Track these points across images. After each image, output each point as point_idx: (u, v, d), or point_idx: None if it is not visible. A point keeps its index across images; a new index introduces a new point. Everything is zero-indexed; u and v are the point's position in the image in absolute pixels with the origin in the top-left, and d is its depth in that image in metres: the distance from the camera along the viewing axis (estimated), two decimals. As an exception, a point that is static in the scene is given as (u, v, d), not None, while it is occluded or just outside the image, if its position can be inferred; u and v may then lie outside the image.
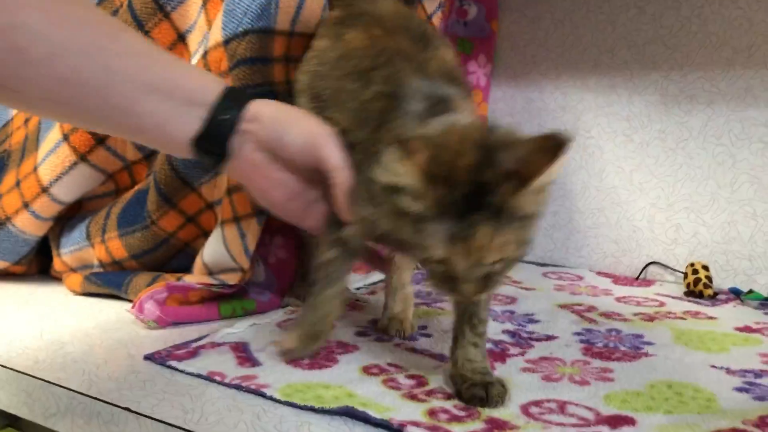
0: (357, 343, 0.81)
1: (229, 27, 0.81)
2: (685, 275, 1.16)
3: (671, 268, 1.22)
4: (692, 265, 1.15)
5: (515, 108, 1.34)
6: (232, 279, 0.86)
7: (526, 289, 1.13)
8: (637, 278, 1.23)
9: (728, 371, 0.78)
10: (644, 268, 1.23)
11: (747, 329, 0.95)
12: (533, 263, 1.33)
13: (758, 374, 0.77)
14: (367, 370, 0.72)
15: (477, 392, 0.63)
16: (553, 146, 0.53)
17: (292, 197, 0.69)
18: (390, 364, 0.74)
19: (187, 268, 0.95)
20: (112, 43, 0.61)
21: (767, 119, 1.12)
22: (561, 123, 1.30)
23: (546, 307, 1.02)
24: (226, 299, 0.87)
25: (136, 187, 0.96)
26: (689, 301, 1.10)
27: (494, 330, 0.88)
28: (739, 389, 0.72)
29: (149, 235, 0.92)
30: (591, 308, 1.03)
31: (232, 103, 0.65)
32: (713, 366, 0.79)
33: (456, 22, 1.30)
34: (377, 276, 1.14)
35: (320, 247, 0.71)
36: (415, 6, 1.08)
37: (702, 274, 1.13)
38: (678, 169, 1.20)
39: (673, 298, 1.12)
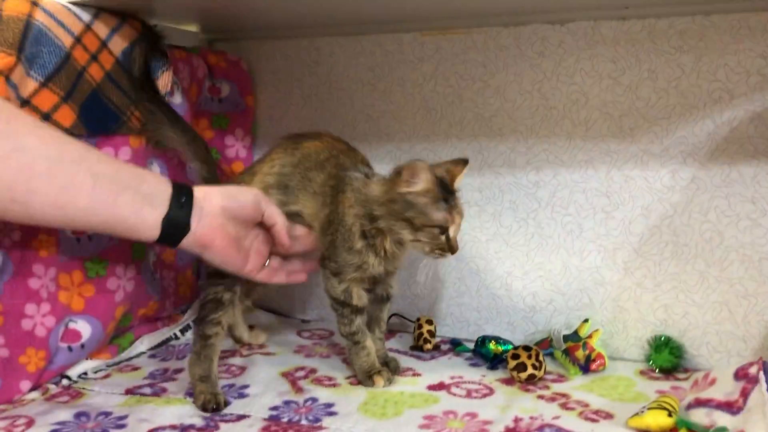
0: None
1: None
2: (414, 329, 1.27)
3: (409, 320, 1.33)
4: (418, 319, 1.27)
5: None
6: None
7: (266, 354, 1.22)
8: (382, 332, 1.34)
9: (376, 442, 0.89)
10: (387, 320, 1.34)
11: (439, 386, 1.07)
12: (290, 317, 1.42)
13: (399, 443, 0.88)
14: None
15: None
16: (461, 161, 1.07)
17: (240, 247, 0.98)
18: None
19: None
20: (89, 153, 0.85)
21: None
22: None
23: (269, 375, 1.11)
24: None
25: None
26: (410, 356, 1.22)
27: (188, 412, 0.96)
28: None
29: None
30: (311, 372, 1.13)
31: (183, 190, 0.92)
32: None
33: (210, 99, 1.38)
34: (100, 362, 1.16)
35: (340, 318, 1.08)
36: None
37: (424, 328, 1.24)
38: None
39: (399, 353, 1.23)
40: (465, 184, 1.27)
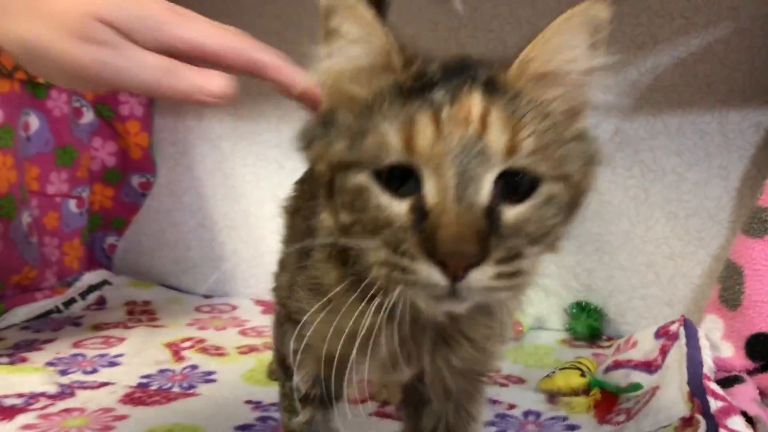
0: None
1: None
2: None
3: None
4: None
5: (178, 137, 1.32)
6: None
7: (155, 326, 1.10)
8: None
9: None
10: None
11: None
12: (194, 294, 1.30)
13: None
14: None
15: None
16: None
17: None
18: None
19: None
20: None
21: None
22: (219, 151, 1.29)
23: (148, 345, 0.99)
24: None
25: None
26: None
27: (42, 380, 0.84)
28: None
29: None
30: (199, 342, 1.01)
31: None
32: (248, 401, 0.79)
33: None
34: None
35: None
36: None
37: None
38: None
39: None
40: (261, 141, 1.20)
